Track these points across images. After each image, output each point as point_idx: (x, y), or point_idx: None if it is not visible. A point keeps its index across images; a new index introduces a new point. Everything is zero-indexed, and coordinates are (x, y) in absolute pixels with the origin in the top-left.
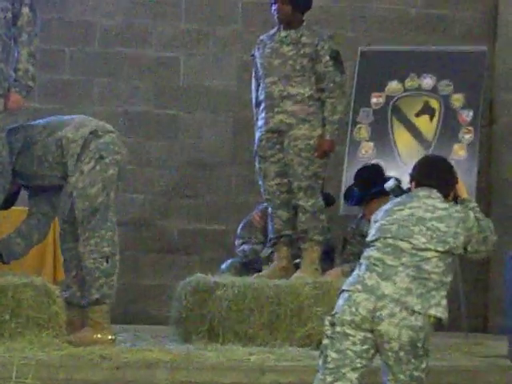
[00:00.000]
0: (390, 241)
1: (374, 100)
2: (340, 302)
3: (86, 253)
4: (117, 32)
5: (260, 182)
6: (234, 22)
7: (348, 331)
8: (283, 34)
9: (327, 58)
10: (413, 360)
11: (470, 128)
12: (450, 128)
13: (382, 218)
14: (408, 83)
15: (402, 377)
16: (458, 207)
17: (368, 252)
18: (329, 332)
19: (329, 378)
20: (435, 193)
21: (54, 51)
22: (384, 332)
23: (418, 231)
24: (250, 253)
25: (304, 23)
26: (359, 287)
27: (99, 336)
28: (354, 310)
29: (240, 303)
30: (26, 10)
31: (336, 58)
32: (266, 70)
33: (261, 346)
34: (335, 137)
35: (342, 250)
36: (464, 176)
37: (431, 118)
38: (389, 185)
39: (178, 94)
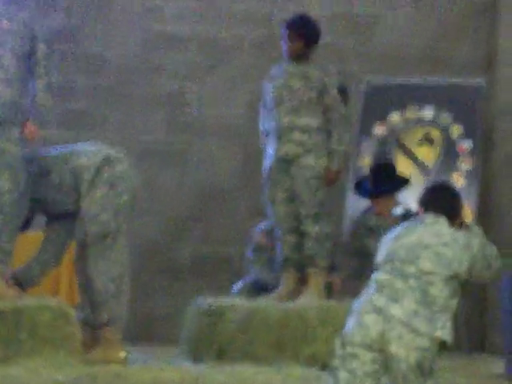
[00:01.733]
0: (398, 265)
1: (376, 130)
2: (350, 322)
3: (94, 275)
4: (129, 64)
5: (268, 208)
6: (244, 54)
7: (358, 352)
8: (292, 67)
9: (334, 90)
10: (418, 380)
11: (468, 158)
12: (449, 157)
13: (391, 242)
14: (409, 114)
15: None
16: (464, 233)
17: (376, 275)
18: (339, 352)
19: None
20: (442, 219)
21: (70, 82)
22: (393, 353)
23: (424, 256)
24: (262, 282)
25: (312, 57)
26: (369, 309)
27: (112, 355)
28: (363, 331)
29: (248, 325)
30: (41, 44)
31: (343, 91)
32: (275, 101)
33: (268, 366)
34: (341, 166)
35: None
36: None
37: (431, 148)
38: (397, 212)
39: (189, 123)
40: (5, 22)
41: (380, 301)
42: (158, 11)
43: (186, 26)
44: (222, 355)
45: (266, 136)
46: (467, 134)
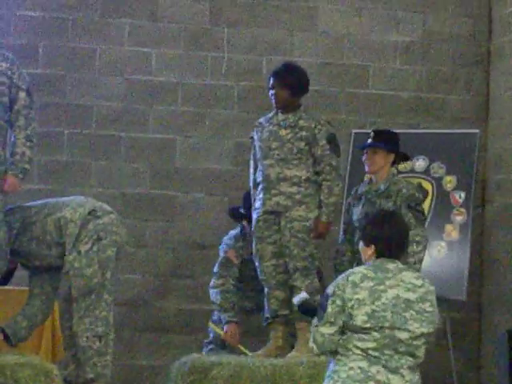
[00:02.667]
0: (388, 331)
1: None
2: None
3: (79, 331)
4: (114, 115)
5: (256, 263)
6: (230, 105)
7: None
8: (281, 117)
9: (324, 141)
10: None
11: (462, 210)
12: (442, 209)
13: (366, 302)
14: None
15: None
16: (427, 279)
17: (363, 342)
18: None
19: None
20: (400, 264)
21: (53, 133)
22: None
23: (409, 317)
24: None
25: (301, 107)
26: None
27: None
28: None
29: (235, 383)
30: (22, 94)
31: (332, 141)
32: (263, 152)
33: None
34: (331, 219)
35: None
36: (456, 257)
37: (424, 200)
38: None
39: (174, 175)
40: None
41: (380, 374)
42: (144, 61)
43: (172, 76)
44: None
45: (255, 188)
46: (461, 185)
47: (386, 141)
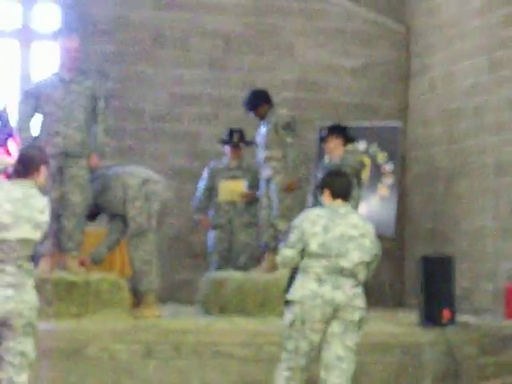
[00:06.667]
0: (334, 259)
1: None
2: (300, 311)
3: (134, 259)
4: (160, 113)
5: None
6: (238, 108)
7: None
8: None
9: (280, 127)
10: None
11: (390, 175)
12: (377, 175)
13: (320, 233)
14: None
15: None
16: (369, 223)
17: (314, 267)
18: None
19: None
20: (349, 207)
21: (120, 126)
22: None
23: (352, 248)
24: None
25: (271, 108)
26: (319, 302)
27: (150, 312)
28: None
29: (241, 290)
30: (101, 101)
31: (286, 126)
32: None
33: (255, 318)
34: (292, 178)
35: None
36: (387, 209)
37: (364, 169)
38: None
39: (202, 153)
40: (75, 85)
41: (327, 293)
42: (179, 77)
43: (198, 88)
44: (223, 311)
45: None
46: (389, 159)
47: (334, 132)
